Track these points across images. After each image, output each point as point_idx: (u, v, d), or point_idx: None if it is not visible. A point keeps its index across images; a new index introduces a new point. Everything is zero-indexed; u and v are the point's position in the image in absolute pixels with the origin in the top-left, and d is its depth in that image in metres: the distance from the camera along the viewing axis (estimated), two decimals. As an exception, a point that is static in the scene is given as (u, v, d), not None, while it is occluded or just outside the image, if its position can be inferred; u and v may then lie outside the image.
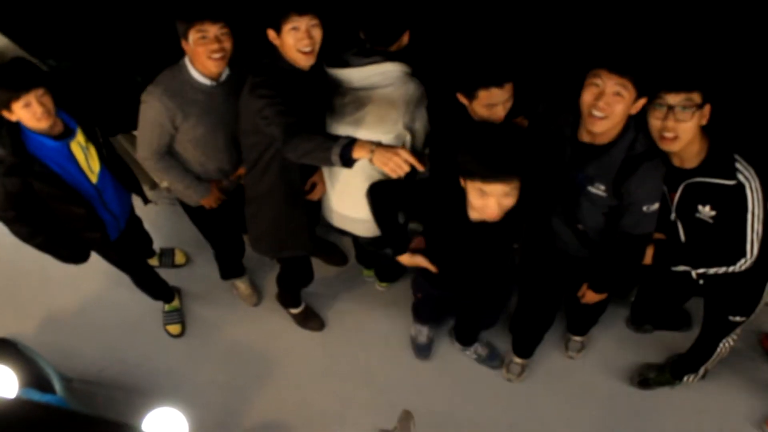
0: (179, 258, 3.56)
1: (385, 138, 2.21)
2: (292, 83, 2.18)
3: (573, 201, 2.17)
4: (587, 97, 1.94)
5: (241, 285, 3.38)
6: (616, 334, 3.15)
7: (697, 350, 2.70)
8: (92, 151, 2.46)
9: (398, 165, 1.85)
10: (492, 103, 2.11)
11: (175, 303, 3.33)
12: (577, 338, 3.07)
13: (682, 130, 1.90)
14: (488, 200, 1.88)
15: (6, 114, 2.21)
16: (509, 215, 1.97)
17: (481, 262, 2.30)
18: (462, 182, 1.94)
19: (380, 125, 2.25)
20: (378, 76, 2.22)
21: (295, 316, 3.29)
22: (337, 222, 2.65)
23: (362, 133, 2.24)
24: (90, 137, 2.44)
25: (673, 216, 2.15)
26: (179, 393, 3.07)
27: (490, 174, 1.82)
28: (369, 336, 3.24)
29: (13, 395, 2.32)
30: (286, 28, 2.11)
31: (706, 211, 2.05)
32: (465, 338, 3.08)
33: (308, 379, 3.13)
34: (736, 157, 1.97)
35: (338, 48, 2.29)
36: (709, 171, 1.99)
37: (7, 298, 3.48)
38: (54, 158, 2.32)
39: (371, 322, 3.29)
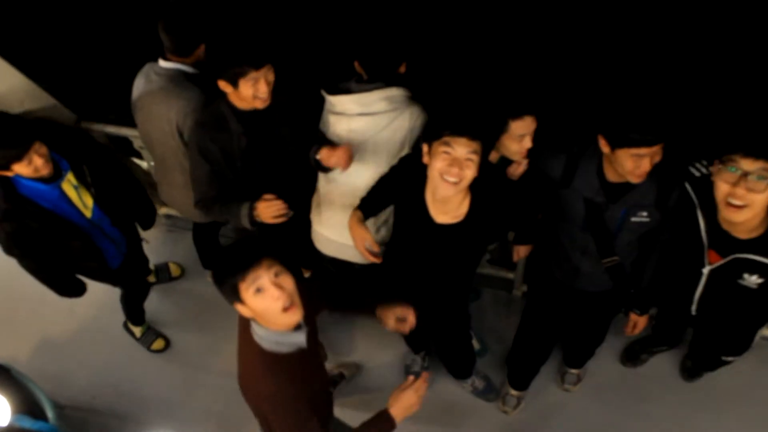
0: (174, 270, 3.61)
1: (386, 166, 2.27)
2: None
3: (609, 238, 2.14)
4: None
5: None
6: (611, 367, 3.14)
7: None
8: (83, 188, 2.44)
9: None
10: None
11: (144, 325, 3.34)
12: (574, 371, 3.06)
13: (752, 200, 1.72)
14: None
15: (2, 173, 2.20)
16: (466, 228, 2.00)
17: (431, 273, 2.24)
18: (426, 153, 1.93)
19: (383, 156, 2.29)
20: (383, 101, 2.24)
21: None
22: (328, 250, 2.61)
23: (366, 164, 2.29)
24: (78, 178, 2.41)
25: (705, 270, 2.04)
26: (173, 421, 3.04)
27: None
28: (364, 365, 3.23)
29: (6, 422, 2.30)
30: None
31: (753, 279, 1.93)
32: (456, 373, 3.05)
33: (303, 409, 3.10)
34: None
35: (336, 77, 2.31)
36: (765, 249, 1.85)
37: (1, 324, 3.47)
38: (46, 198, 2.31)
39: (366, 351, 3.28)
